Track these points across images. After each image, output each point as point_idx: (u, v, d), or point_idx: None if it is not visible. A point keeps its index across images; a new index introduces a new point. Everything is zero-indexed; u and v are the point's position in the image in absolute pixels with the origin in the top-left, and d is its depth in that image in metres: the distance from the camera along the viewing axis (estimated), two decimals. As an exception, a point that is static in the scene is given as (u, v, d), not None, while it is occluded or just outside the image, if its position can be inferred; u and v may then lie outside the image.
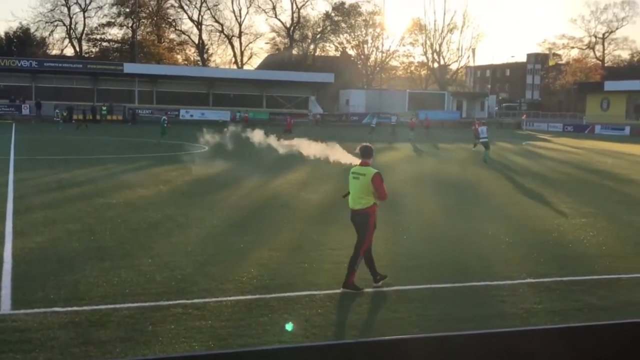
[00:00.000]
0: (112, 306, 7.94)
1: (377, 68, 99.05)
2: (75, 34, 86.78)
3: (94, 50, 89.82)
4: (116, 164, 25.13)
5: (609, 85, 76.04)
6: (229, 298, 8.41)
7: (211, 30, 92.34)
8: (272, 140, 12.29)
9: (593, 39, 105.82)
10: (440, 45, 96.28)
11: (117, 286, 8.77)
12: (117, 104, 64.11)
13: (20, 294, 8.31)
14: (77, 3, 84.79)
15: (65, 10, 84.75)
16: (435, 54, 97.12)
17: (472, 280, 9.62)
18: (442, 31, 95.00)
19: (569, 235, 13.25)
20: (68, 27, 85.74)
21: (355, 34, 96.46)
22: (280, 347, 3.71)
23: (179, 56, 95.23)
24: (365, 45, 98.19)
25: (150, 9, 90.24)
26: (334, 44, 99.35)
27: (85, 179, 20.57)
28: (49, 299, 8.10)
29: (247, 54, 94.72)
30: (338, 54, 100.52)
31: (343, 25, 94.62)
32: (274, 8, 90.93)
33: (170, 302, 8.13)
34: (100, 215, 14.03)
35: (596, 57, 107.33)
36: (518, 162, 28.75)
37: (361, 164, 9.11)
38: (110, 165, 24.91)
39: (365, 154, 9.13)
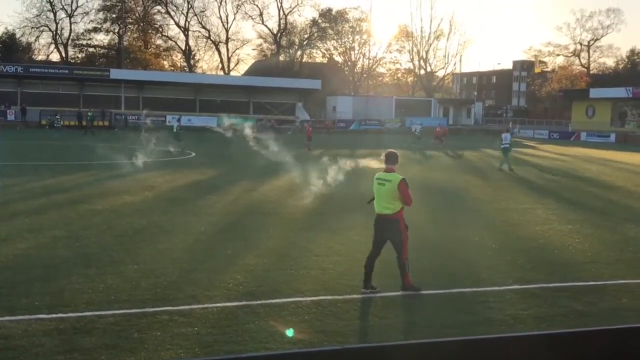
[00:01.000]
0: (97, 313, 7.88)
1: (364, 75, 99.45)
2: (62, 40, 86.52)
3: (80, 55, 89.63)
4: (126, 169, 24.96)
5: (595, 93, 76.67)
6: (215, 305, 8.38)
7: (198, 36, 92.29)
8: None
9: (578, 47, 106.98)
10: (426, 52, 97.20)
11: (102, 293, 8.71)
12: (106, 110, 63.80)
13: (5, 300, 8.24)
14: (63, 8, 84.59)
15: (51, 15, 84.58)
16: (422, 61, 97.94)
17: (458, 287, 9.64)
18: (429, 38, 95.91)
19: (555, 241, 13.30)
20: (54, 32, 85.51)
21: (342, 41, 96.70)
22: (267, 353, 3.70)
23: (165, 62, 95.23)
24: (352, 52, 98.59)
25: (136, 14, 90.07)
26: (321, 51, 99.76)
27: (71, 185, 20.47)
28: (34, 306, 8.03)
29: (234, 60, 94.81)
30: (325, 60, 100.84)
31: (330, 31, 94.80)
32: (261, 14, 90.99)
33: (156, 309, 8.08)
34: (86, 222, 13.95)
35: (582, 65, 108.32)
36: (504, 169, 28.88)
37: (386, 170, 9.20)
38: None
39: (391, 160, 9.22)
